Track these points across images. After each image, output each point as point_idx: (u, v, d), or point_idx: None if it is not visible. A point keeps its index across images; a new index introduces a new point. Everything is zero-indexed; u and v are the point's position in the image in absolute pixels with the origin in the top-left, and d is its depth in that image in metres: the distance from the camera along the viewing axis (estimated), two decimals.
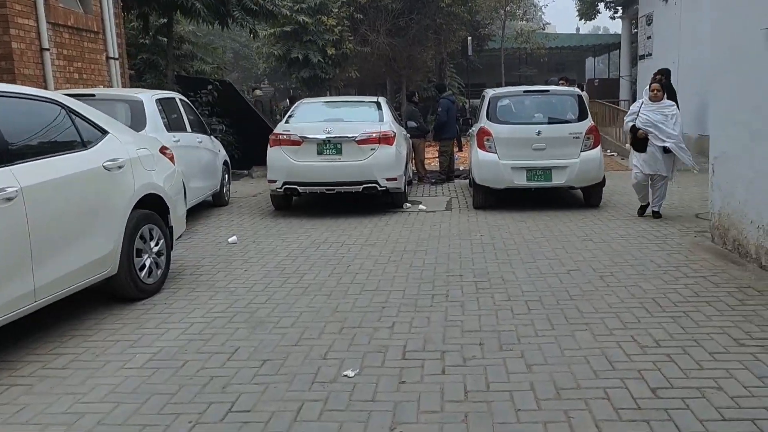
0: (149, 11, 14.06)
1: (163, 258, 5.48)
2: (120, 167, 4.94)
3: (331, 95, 22.86)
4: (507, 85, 28.46)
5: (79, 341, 4.28)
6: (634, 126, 7.84)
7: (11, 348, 4.14)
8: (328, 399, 3.36)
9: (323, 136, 8.63)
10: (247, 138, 13.43)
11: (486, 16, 29.27)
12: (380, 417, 3.15)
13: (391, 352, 3.97)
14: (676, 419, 3.03)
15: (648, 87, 7.93)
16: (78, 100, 5.11)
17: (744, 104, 5.65)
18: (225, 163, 10.14)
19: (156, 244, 5.37)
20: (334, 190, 8.77)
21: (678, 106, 14.31)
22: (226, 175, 10.15)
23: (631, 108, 8.44)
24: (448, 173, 12.34)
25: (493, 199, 9.14)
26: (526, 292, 5.13)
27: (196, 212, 9.00)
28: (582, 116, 8.91)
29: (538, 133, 8.67)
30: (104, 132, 5.01)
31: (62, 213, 4.29)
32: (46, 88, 8.91)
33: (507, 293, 5.11)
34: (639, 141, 7.81)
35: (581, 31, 44.64)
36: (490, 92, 9.44)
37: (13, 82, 8.10)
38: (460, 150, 13.26)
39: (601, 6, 33.86)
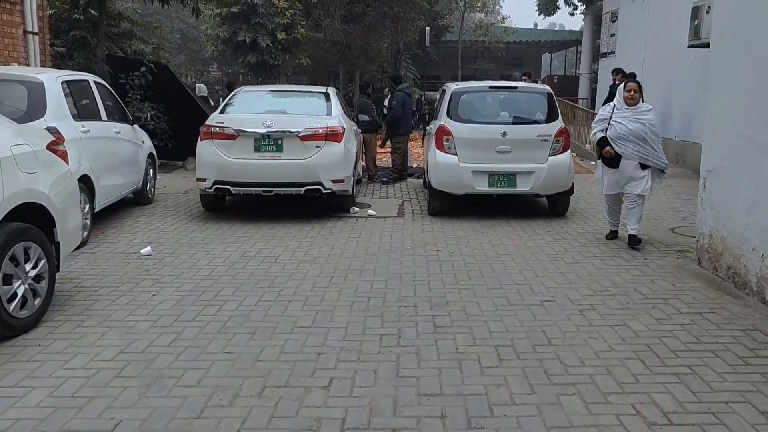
0: None
1: (44, 283, 4.36)
2: None
3: (280, 82, 21.63)
4: (463, 78, 27.73)
5: None
6: (604, 138, 6.42)
7: None
8: None
9: (262, 130, 7.56)
10: (182, 126, 12.14)
11: (445, 6, 28.45)
12: None
13: (326, 429, 3.00)
14: None
15: (622, 86, 6.47)
16: None
17: (752, 116, 4.84)
18: (150, 156, 8.92)
19: (34, 267, 4.24)
20: (272, 191, 7.70)
21: None
22: (151, 170, 8.94)
23: (599, 113, 6.85)
24: (401, 172, 11.40)
25: (450, 204, 8.23)
26: (495, 333, 4.21)
27: (110, 213, 7.82)
28: (552, 117, 8.06)
29: (503, 134, 7.79)
30: None
31: None
32: None
33: (471, 334, 4.18)
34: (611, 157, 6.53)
35: (538, 27, 44.33)
36: (451, 87, 8.50)
37: None
38: (383, 146, 12.19)
39: (561, 2, 33.52)
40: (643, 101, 6.35)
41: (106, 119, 7.49)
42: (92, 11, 14.43)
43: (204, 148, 7.66)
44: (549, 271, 5.68)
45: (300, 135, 7.59)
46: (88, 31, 14.51)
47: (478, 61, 36.32)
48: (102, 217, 7.51)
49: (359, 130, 10.31)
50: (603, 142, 6.47)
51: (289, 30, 19.09)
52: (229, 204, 8.67)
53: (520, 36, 33.16)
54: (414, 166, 13.04)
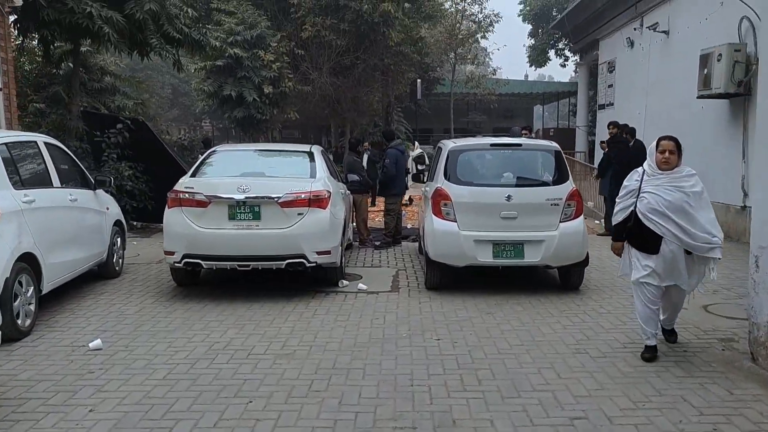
0: (50, 35, 11.89)
1: None
2: None
3: (269, 137, 20.96)
4: (456, 131, 27.30)
5: None
6: (623, 223, 4.95)
7: None
8: None
9: (237, 196, 6.70)
10: (163, 186, 11.26)
11: (436, 58, 28.16)
12: None
13: None
14: None
15: (654, 145, 4.86)
16: None
17: None
18: (118, 223, 8.02)
19: None
20: (249, 266, 6.78)
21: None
22: (119, 239, 8.02)
23: (625, 186, 5.04)
24: (394, 235, 10.53)
25: (450, 277, 7.34)
26: None
27: (68, 291, 6.87)
28: (562, 178, 7.25)
29: (508, 197, 6.96)
30: None
31: None
32: None
33: None
34: (644, 235, 4.81)
35: (529, 79, 44.39)
36: (448, 144, 7.71)
37: None
38: (374, 204, 11.35)
39: (552, 53, 33.49)
40: (680, 163, 4.87)
41: (59, 185, 6.61)
42: (70, 65, 13.76)
43: (172, 216, 6.78)
44: (573, 369, 4.75)
45: (280, 201, 6.74)
46: (63, 86, 13.80)
47: (471, 114, 36.07)
48: (56, 297, 6.57)
49: (348, 192, 9.49)
50: (620, 229, 5.00)
51: (276, 84, 18.54)
52: (205, 276, 7.76)
53: (512, 88, 32.91)
54: (408, 227, 12.21)
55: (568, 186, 7.17)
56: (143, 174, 11.73)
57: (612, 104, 17.91)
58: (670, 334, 5.35)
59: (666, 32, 14.03)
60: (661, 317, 5.18)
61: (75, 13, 10.69)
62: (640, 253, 4.90)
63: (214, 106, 20.21)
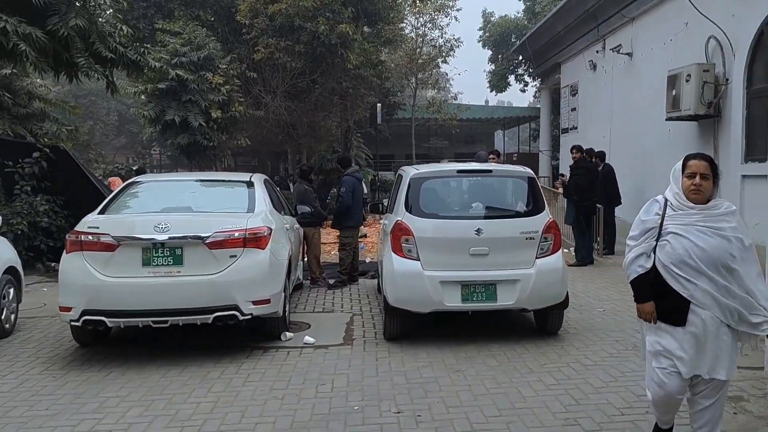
0: None
1: None
2: None
3: (217, 167, 19.68)
4: (418, 157, 26.41)
5: None
6: (644, 278, 3.44)
7: None
8: None
9: (155, 237, 5.54)
10: None
11: (396, 83, 27.41)
12: None
13: None
14: None
15: (678, 166, 3.45)
16: None
17: None
18: (10, 270, 6.70)
19: None
20: (167, 322, 5.57)
21: (618, 193, 12.20)
22: (11, 290, 6.68)
23: (639, 218, 3.55)
24: (350, 272, 9.41)
25: (412, 323, 6.26)
26: None
27: None
28: (537, 207, 6.26)
29: (478, 231, 5.94)
30: None
31: None
32: None
33: None
34: (665, 297, 3.37)
35: (489, 104, 44.12)
36: (409, 171, 6.66)
37: None
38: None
39: (512, 78, 33.20)
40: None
41: None
42: None
43: (69, 263, 5.56)
44: None
45: (208, 241, 5.60)
46: None
47: (432, 140, 35.36)
48: None
49: (297, 226, 8.38)
50: (642, 285, 3.45)
51: (225, 108, 17.35)
52: (118, 331, 6.48)
53: (474, 113, 32.33)
54: (367, 261, 11.12)
55: (545, 217, 6.19)
56: (63, 208, 10.46)
57: (575, 128, 17.25)
58: None
59: (629, 54, 13.46)
60: (694, 426, 3.51)
61: None
62: (663, 325, 3.41)
63: (155, 133, 18.88)
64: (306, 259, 9.40)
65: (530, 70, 29.07)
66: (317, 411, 4.44)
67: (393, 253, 6.14)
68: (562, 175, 11.96)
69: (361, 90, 21.05)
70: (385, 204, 8.21)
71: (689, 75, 9.78)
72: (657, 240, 3.40)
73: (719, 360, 3.31)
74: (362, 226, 11.09)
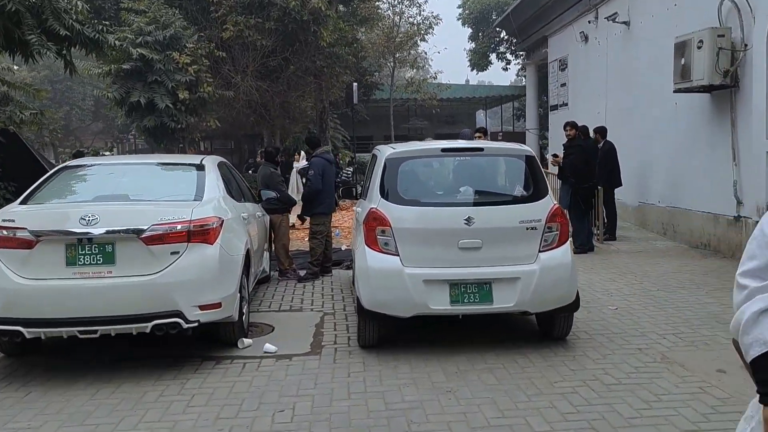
0: None
1: None
2: None
3: (188, 150, 18.59)
4: (397, 138, 25.38)
5: None
6: None
7: None
8: None
9: (80, 230, 4.58)
10: None
11: (373, 62, 26.37)
12: None
13: None
14: None
15: None
16: None
17: None
18: None
19: None
20: (96, 332, 4.62)
21: (619, 173, 11.25)
22: None
23: (755, 237, 1.80)
24: (323, 263, 8.49)
25: (390, 329, 5.37)
26: None
27: None
28: (538, 192, 5.36)
29: (468, 220, 5.04)
30: None
31: None
32: None
33: None
34: None
35: (470, 83, 43.22)
36: (385, 151, 5.70)
37: None
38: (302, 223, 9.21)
39: (494, 56, 32.32)
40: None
41: None
42: None
43: None
44: None
45: (144, 236, 4.65)
46: None
47: (411, 120, 34.40)
48: None
49: (261, 214, 7.44)
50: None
51: (193, 89, 16.27)
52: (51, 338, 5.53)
53: (454, 92, 31.43)
54: (342, 248, 10.20)
55: (548, 202, 5.28)
56: (16, 195, 9.42)
57: (566, 104, 16.39)
58: None
59: (626, 23, 12.55)
60: None
61: None
62: None
63: (121, 116, 17.76)
64: (273, 248, 8.47)
65: (513, 47, 28.16)
66: None
67: (367, 247, 5.23)
68: (555, 155, 11.06)
69: (336, 69, 20.06)
70: (360, 189, 7.28)
71: (701, 41, 8.81)
72: None
73: None
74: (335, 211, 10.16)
